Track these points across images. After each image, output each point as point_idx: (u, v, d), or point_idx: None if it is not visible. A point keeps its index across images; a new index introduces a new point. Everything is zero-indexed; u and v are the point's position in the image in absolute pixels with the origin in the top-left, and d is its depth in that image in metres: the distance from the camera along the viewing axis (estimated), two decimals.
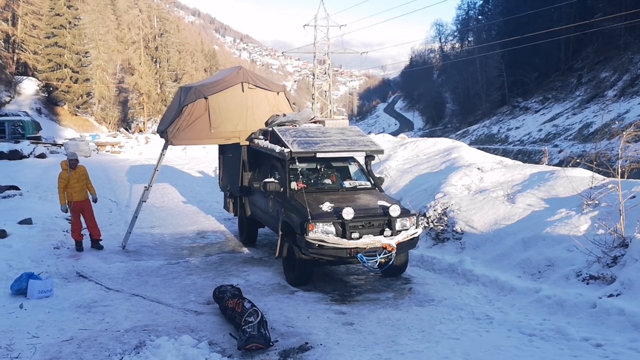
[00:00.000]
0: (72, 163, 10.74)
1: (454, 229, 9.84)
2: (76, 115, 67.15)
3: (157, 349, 6.09)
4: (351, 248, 7.91)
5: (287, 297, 8.03)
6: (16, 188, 15.85)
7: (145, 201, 11.14)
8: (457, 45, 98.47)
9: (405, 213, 8.35)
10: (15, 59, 64.02)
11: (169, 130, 10.46)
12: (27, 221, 11.37)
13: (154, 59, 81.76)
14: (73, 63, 64.57)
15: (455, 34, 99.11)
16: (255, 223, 11.13)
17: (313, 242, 7.90)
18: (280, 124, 10.12)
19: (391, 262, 8.20)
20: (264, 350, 6.00)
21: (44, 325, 6.76)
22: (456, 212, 10.08)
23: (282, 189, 9.19)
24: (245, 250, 10.96)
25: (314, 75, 62.25)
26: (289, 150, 8.90)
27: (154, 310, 7.44)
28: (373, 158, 9.81)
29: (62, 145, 35.70)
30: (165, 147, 11.05)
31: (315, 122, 10.50)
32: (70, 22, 64.18)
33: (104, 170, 24.35)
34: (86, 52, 67.36)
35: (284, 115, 10.52)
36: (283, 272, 9.01)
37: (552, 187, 9.57)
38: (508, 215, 9.32)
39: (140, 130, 65.39)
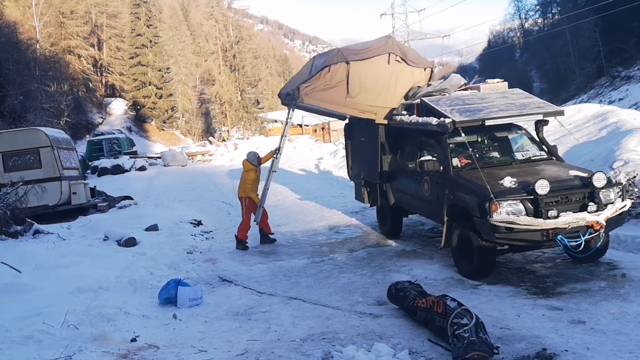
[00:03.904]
0: (258, 160, 10.64)
1: None
2: (163, 130, 68.98)
3: None
4: (549, 229, 6.48)
5: (472, 292, 6.70)
6: (130, 198, 15.47)
7: (267, 189, 10.44)
8: (539, 20, 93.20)
9: (609, 183, 6.83)
10: (103, 81, 66.46)
11: (302, 87, 9.35)
12: (153, 227, 10.73)
13: (232, 67, 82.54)
14: (156, 80, 66.34)
15: (537, 7, 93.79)
16: (400, 212, 9.89)
17: (500, 225, 6.53)
18: (428, 95, 8.81)
19: (599, 243, 6.73)
20: (487, 359, 4.72)
21: (207, 337, 5.83)
22: None
23: (441, 168, 7.89)
24: (392, 242, 9.71)
25: None
26: (450, 120, 7.56)
27: (322, 314, 6.34)
28: (546, 123, 8.30)
29: (159, 157, 36.14)
30: (289, 115, 10.14)
31: (466, 89, 9.12)
32: (150, 41, 65.96)
33: (207, 176, 24.03)
34: (167, 68, 69.17)
35: (429, 84, 9.23)
36: (453, 264, 7.70)
37: None
38: None
39: (224, 140, 66.05)
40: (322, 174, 22.09)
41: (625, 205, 6.84)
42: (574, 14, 61.07)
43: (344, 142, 11.67)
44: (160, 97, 67.11)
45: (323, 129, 50.27)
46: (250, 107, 79.76)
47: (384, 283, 7.27)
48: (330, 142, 41.26)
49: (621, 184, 7.04)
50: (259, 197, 10.41)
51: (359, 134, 10.68)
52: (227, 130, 75.58)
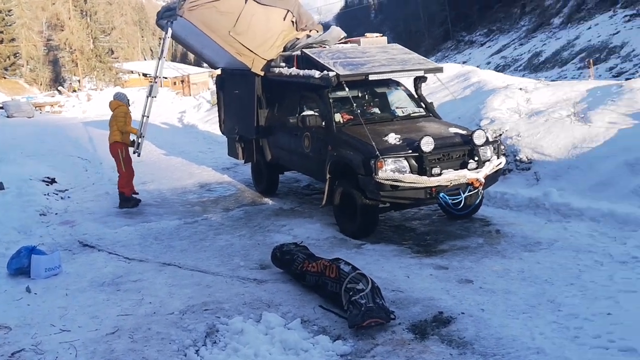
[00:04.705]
0: (127, 101, 9.63)
1: (517, 158, 8.53)
2: (5, 78, 62.87)
3: (240, 336, 4.56)
4: (432, 187, 6.46)
5: (357, 252, 6.54)
6: None
7: (147, 117, 9.67)
8: None
9: (487, 141, 6.93)
10: None
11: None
12: None
13: (83, 13, 76.22)
14: None
15: None
16: (277, 168, 9.50)
17: (385, 182, 6.39)
18: (308, 47, 8.39)
19: (477, 200, 6.85)
20: (384, 325, 4.55)
21: (68, 314, 5.12)
22: (515, 139, 8.76)
23: (324, 124, 7.58)
24: (269, 201, 9.32)
25: None
26: (334, 73, 7.23)
27: (201, 282, 5.84)
28: (425, 80, 8.28)
29: (1, 107, 32.48)
30: (166, 35, 9.18)
31: (346, 42, 8.82)
32: None
33: (58, 129, 21.97)
34: (9, 10, 62.57)
35: (308, 36, 8.80)
36: (335, 223, 7.50)
37: (634, 100, 8.31)
38: (588, 136, 8.02)
39: (75, 90, 61.28)
40: (187, 128, 21.06)
41: (500, 163, 7.01)
42: None
43: (216, 95, 10.93)
44: (1, 42, 60.56)
45: (183, 81, 48.15)
46: (104, 57, 74.57)
47: (264, 245, 6.92)
48: (191, 95, 39.65)
49: (497, 141, 7.18)
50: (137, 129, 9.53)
51: (233, 87, 10.03)
52: (79, 80, 70.08)
